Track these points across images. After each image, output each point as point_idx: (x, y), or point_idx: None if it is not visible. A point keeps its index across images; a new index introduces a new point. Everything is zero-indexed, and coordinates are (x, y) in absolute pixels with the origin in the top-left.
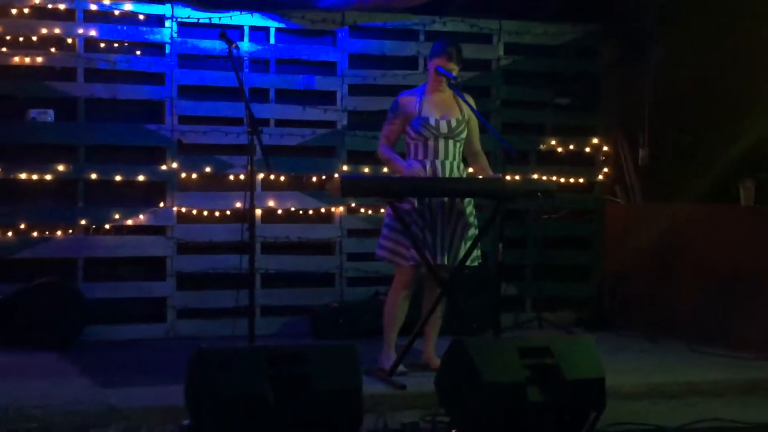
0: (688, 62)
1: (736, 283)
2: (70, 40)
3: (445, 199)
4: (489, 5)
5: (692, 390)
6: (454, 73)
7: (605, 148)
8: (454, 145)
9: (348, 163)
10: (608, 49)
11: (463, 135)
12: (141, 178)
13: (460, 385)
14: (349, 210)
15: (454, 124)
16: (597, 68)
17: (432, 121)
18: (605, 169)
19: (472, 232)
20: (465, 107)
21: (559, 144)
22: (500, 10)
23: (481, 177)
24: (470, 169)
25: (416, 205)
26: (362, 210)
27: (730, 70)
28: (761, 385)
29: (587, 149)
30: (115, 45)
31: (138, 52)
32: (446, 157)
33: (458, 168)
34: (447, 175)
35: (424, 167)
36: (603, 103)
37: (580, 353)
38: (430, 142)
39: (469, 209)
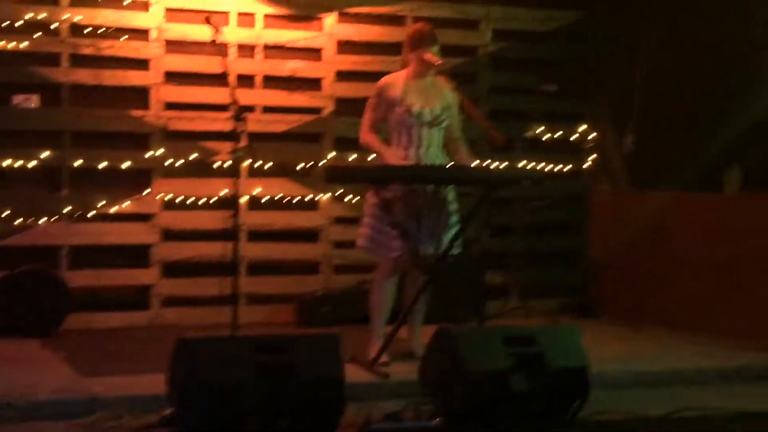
0: (676, 50)
1: (720, 272)
2: (54, 26)
3: (430, 186)
4: None
5: (676, 378)
6: (435, 58)
7: (592, 135)
8: (437, 132)
9: (335, 150)
10: (596, 35)
11: (446, 122)
12: (126, 164)
13: (444, 373)
14: (335, 197)
15: (437, 111)
16: (585, 55)
17: (415, 109)
18: (592, 156)
19: (454, 219)
20: (446, 93)
21: (546, 131)
22: None
23: (467, 165)
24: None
25: (399, 193)
26: (348, 197)
27: (718, 58)
28: (744, 373)
29: (574, 136)
30: (100, 30)
31: (124, 38)
32: (430, 144)
33: (441, 155)
34: (431, 163)
35: (408, 155)
36: (590, 90)
37: (564, 342)
38: (414, 130)
39: (451, 196)
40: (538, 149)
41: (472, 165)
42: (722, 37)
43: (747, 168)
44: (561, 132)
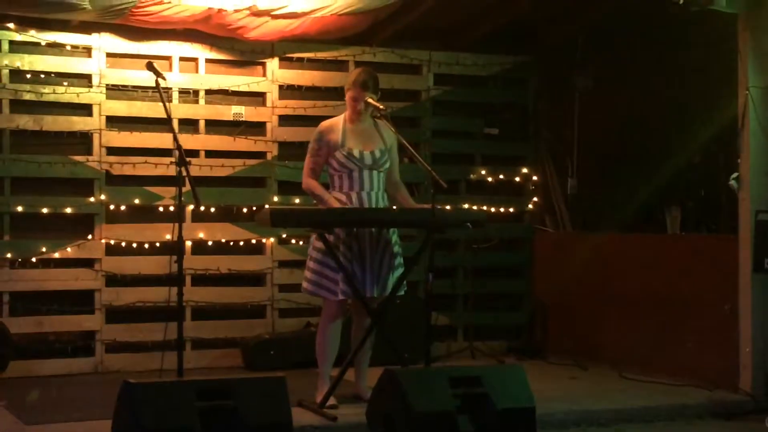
0: (614, 92)
1: (663, 311)
2: None
3: (372, 229)
4: (418, 36)
5: (621, 417)
6: (372, 102)
7: (535, 178)
8: (378, 176)
9: (278, 193)
10: (536, 79)
11: (387, 165)
12: (68, 210)
13: (391, 415)
14: (280, 241)
15: (378, 154)
16: (526, 98)
17: (356, 153)
18: (535, 198)
19: (398, 261)
20: (386, 136)
21: (489, 173)
22: (429, 40)
23: (412, 207)
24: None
25: (343, 236)
26: (293, 241)
27: (655, 100)
28: (686, 411)
29: (517, 178)
30: (42, 76)
31: (65, 83)
32: (372, 188)
33: (383, 198)
34: (373, 206)
35: (350, 199)
36: (532, 132)
37: (510, 382)
38: (355, 174)
39: (395, 238)
40: (481, 191)
41: (416, 207)
42: (660, 80)
43: (686, 208)
44: (503, 174)
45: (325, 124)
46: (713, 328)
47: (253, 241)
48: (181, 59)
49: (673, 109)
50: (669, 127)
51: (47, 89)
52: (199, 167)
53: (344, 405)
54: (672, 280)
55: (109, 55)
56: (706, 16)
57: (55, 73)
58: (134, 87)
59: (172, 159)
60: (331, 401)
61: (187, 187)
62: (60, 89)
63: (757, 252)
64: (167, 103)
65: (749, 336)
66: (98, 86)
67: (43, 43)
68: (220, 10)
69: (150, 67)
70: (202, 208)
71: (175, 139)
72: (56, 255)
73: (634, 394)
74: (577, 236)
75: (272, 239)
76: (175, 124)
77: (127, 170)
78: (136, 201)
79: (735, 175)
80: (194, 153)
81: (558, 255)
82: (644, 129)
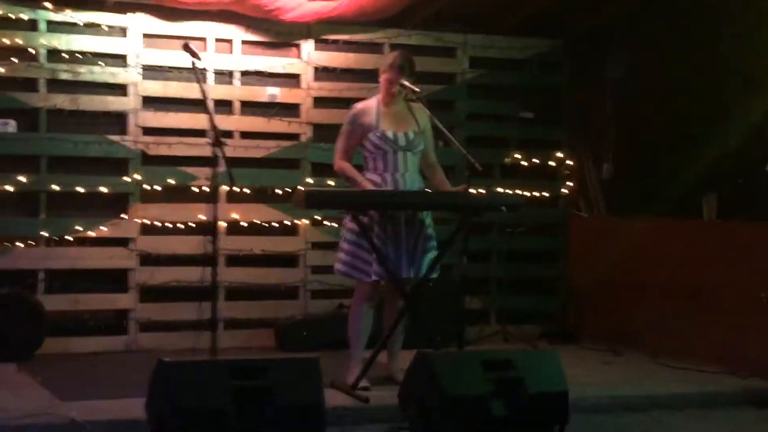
0: (650, 77)
1: (698, 298)
2: (32, 50)
3: (407, 211)
4: (454, 19)
5: (654, 403)
6: (405, 84)
7: (569, 162)
8: (412, 158)
9: (312, 175)
10: (571, 63)
11: (421, 147)
12: (104, 189)
13: (423, 398)
14: (314, 223)
15: (411, 136)
16: (560, 82)
17: (390, 134)
18: (569, 183)
19: (433, 243)
20: (420, 118)
21: (523, 157)
22: (465, 24)
23: (446, 190)
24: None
25: (377, 218)
26: (326, 223)
27: (692, 85)
28: (720, 399)
29: (551, 163)
30: (78, 55)
31: (101, 63)
32: (406, 169)
33: (417, 180)
34: (407, 188)
35: (384, 180)
36: (566, 117)
37: (543, 367)
38: (389, 156)
39: (428, 221)
40: (515, 176)
41: (451, 190)
42: (696, 65)
43: (723, 195)
44: (538, 159)
45: (358, 106)
46: (749, 316)
47: (287, 223)
48: (217, 40)
49: (710, 96)
50: (706, 113)
51: (83, 69)
52: (233, 148)
53: (376, 387)
54: (708, 267)
55: (145, 35)
56: (743, 3)
57: (92, 53)
58: (170, 67)
59: (208, 139)
60: (364, 383)
61: (221, 168)
62: (96, 69)
63: None
64: (203, 84)
65: None
66: (134, 66)
67: (79, 23)
68: None
69: (186, 47)
70: (237, 189)
71: (211, 119)
72: (91, 234)
73: (668, 381)
74: (612, 222)
75: (306, 221)
76: (211, 104)
77: (163, 150)
78: (171, 181)
79: None
80: (229, 134)
81: (592, 240)
82: (680, 115)
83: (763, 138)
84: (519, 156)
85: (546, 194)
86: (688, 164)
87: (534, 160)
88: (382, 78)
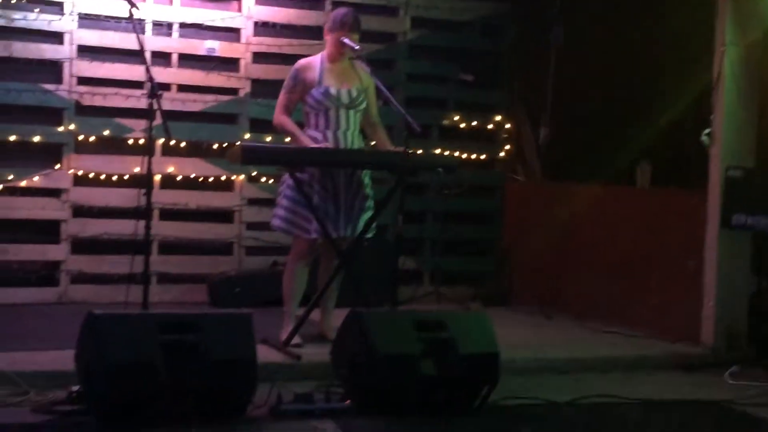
0: (589, 45)
1: (629, 263)
2: None
3: (346, 169)
4: None
5: (583, 366)
6: (356, 43)
7: (507, 126)
8: (354, 115)
9: (250, 131)
10: (513, 27)
11: (363, 105)
12: (37, 139)
13: (355, 356)
14: (250, 178)
15: (354, 93)
16: (502, 46)
17: (333, 91)
18: (507, 147)
19: (370, 203)
20: (363, 76)
21: (462, 120)
22: None
23: (384, 149)
24: (372, 142)
25: (316, 175)
26: (263, 179)
27: (631, 54)
28: (647, 362)
29: (490, 126)
30: (13, 1)
31: (36, 10)
32: (348, 127)
33: (358, 138)
34: (348, 146)
35: (325, 137)
36: (506, 80)
37: (475, 328)
38: (331, 113)
39: (367, 180)
40: (453, 137)
41: (391, 149)
42: (633, 33)
43: (657, 163)
44: (476, 121)
45: (302, 62)
46: (677, 283)
47: (223, 178)
48: None
49: (648, 64)
50: (644, 81)
51: (18, 15)
52: (170, 101)
53: (309, 344)
54: (639, 233)
55: None
56: None
57: (27, 0)
58: (107, 17)
59: (144, 91)
60: (296, 340)
61: (158, 120)
62: (31, 16)
63: (725, 208)
64: (140, 35)
65: (713, 291)
66: (70, 14)
67: None
68: None
69: None
70: (173, 143)
71: (148, 71)
72: (23, 184)
73: (596, 344)
74: (547, 186)
75: (242, 176)
76: (148, 56)
77: (98, 101)
78: (106, 132)
79: (707, 131)
80: (166, 87)
81: (527, 204)
82: (619, 83)
83: (699, 108)
84: (458, 118)
85: (483, 157)
86: (625, 132)
87: (473, 122)
88: (333, 36)
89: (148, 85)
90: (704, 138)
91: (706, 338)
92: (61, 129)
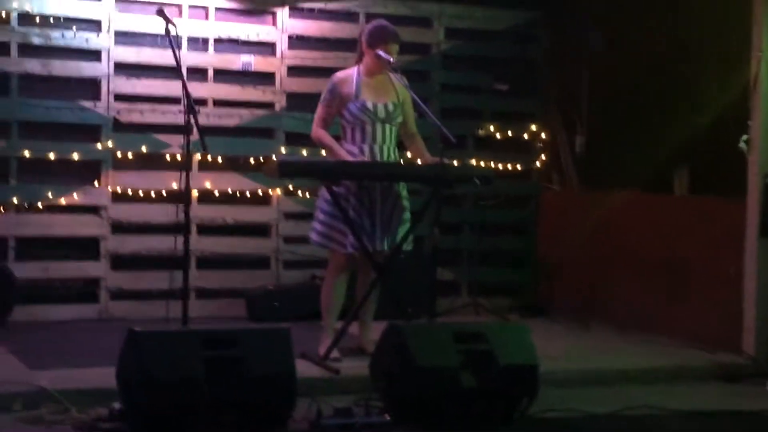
0: (627, 51)
1: (668, 272)
2: (3, 14)
3: (383, 182)
4: None
5: (622, 377)
6: (394, 56)
7: (543, 135)
8: (390, 129)
9: (286, 145)
10: (548, 35)
11: (399, 119)
12: (75, 156)
13: (393, 369)
14: (287, 192)
15: (390, 108)
16: (536, 54)
17: (370, 105)
18: (543, 156)
19: (407, 215)
20: (400, 90)
21: (497, 130)
22: None
23: (419, 162)
24: (408, 153)
25: (353, 189)
26: (300, 193)
27: (668, 60)
28: (688, 373)
29: (525, 135)
30: (51, 20)
31: (74, 28)
32: (384, 141)
33: (394, 152)
34: (384, 160)
35: (362, 151)
36: (541, 89)
37: (514, 339)
38: (367, 127)
39: (404, 193)
40: (489, 147)
41: (428, 160)
42: (673, 40)
43: (695, 170)
44: (512, 131)
45: (339, 75)
46: (717, 291)
47: (260, 192)
48: (191, 7)
49: (686, 71)
50: (681, 88)
51: (56, 33)
52: (207, 116)
53: (347, 358)
54: (678, 241)
55: (118, 0)
56: None
57: (65, 18)
58: (143, 34)
59: (180, 107)
60: (335, 354)
61: (195, 136)
62: (69, 34)
63: (765, 215)
64: (177, 51)
65: (753, 299)
66: (107, 32)
67: None
68: None
69: (160, 13)
70: (210, 158)
71: (184, 86)
72: (62, 201)
73: (636, 355)
74: (584, 195)
75: (278, 190)
76: (184, 72)
77: (135, 117)
78: (144, 148)
79: (745, 137)
80: (203, 102)
81: (564, 213)
82: (655, 90)
83: (737, 114)
84: (493, 128)
85: (519, 167)
86: (662, 138)
87: (508, 132)
88: (375, 50)
89: (184, 101)
90: (742, 144)
91: (747, 348)
92: (99, 146)
